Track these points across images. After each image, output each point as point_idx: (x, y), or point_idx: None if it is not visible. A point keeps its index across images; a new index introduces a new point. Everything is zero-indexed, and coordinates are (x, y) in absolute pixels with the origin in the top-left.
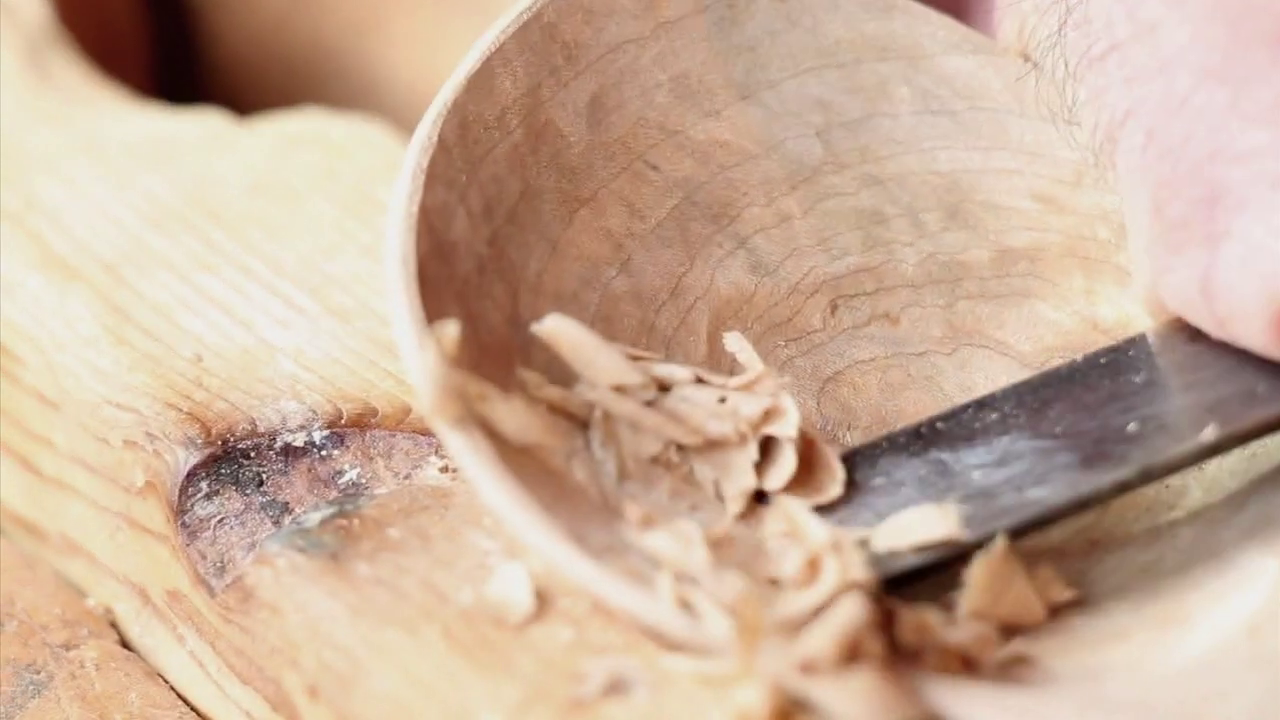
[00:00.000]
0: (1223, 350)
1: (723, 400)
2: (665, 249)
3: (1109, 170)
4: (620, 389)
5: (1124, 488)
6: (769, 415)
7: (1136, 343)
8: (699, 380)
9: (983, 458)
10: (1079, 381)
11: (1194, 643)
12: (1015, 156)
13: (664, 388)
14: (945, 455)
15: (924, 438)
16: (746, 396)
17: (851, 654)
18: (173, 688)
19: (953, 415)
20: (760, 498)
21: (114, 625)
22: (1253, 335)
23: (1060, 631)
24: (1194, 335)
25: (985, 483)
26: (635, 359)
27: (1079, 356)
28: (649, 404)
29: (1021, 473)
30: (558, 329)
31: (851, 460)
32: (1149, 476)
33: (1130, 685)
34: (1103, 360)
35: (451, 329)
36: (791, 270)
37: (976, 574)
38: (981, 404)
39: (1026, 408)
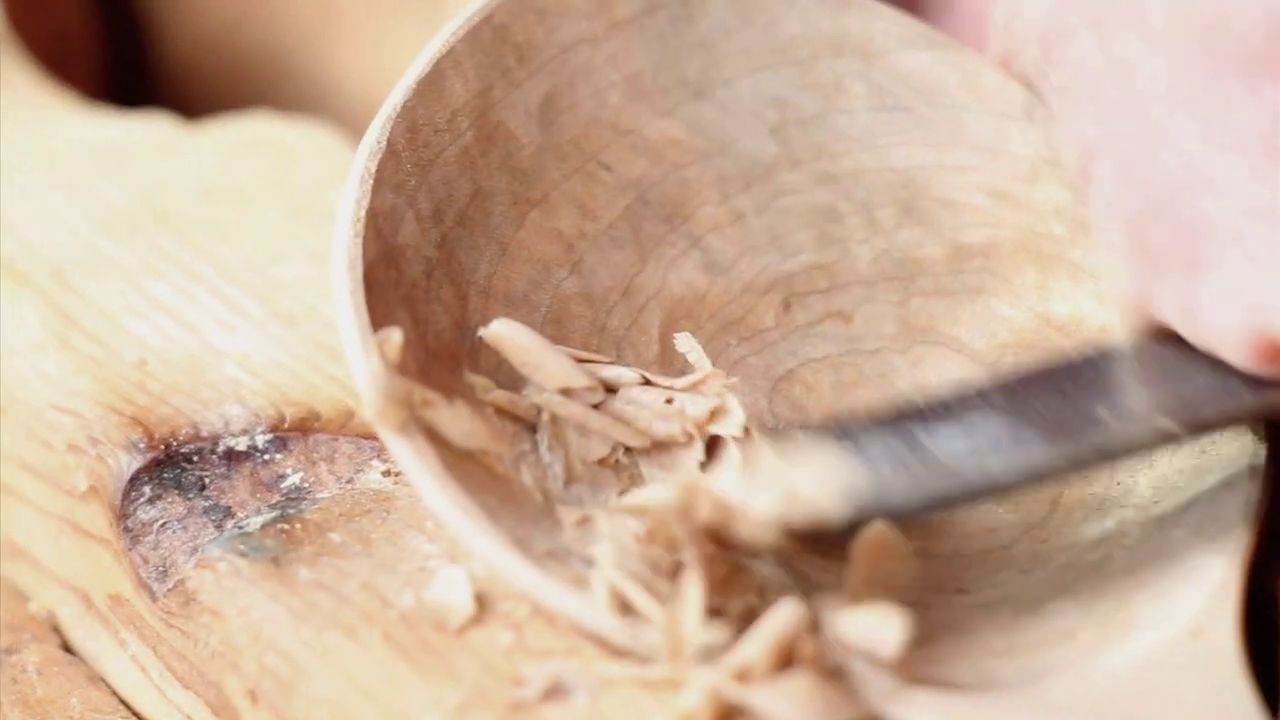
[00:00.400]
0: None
1: (669, 401)
2: (617, 249)
3: (1083, 206)
4: (566, 392)
5: (1079, 464)
6: (715, 415)
7: (1122, 342)
8: (646, 382)
9: (953, 431)
10: (1063, 371)
11: (1138, 643)
12: (970, 153)
13: (611, 390)
14: (919, 429)
15: (904, 414)
16: (693, 397)
17: (785, 659)
18: (114, 692)
19: (936, 396)
20: None
21: (56, 629)
22: (1234, 359)
23: (1006, 633)
24: (1176, 338)
25: (948, 450)
26: (582, 362)
27: (1070, 350)
28: (596, 406)
29: (984, 445)
30: (504, 333)
31: (835, 432)
32: (1105, 455)
33: (1074, 686)
34: (1090, 354)
35: (396, 336)
36: (745, 269)
37: (857, 552)
38: (966, 387)
39: (1006, 390)
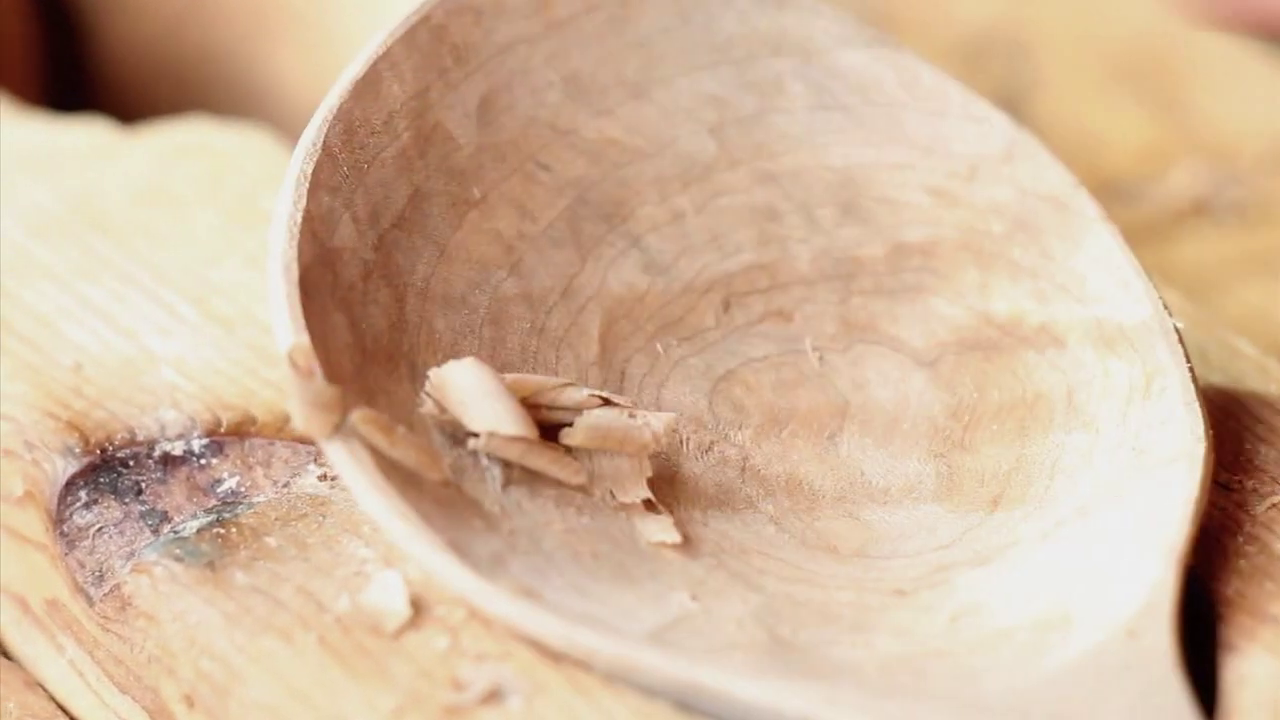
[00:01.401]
0: None
1: (632, 416)
2: (556, 250)
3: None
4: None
5: None
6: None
7: None
8: (605, 401)
9: None
10: None
11: (1074, 644)
12: (909, 151)
13: (573, 412)
14: None
15: None
16: (656, 414)
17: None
18: (52, 697)
19: None
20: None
21: None
22: None
23: (943, 634)
24: None
25: None
26: (532, 403)
27: None
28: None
29: None
30: (446, 382)
31: None
32: None
33: (1008, 687)
34: None
35: (303, 341)
36: (684, 268)
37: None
38: None
39: None
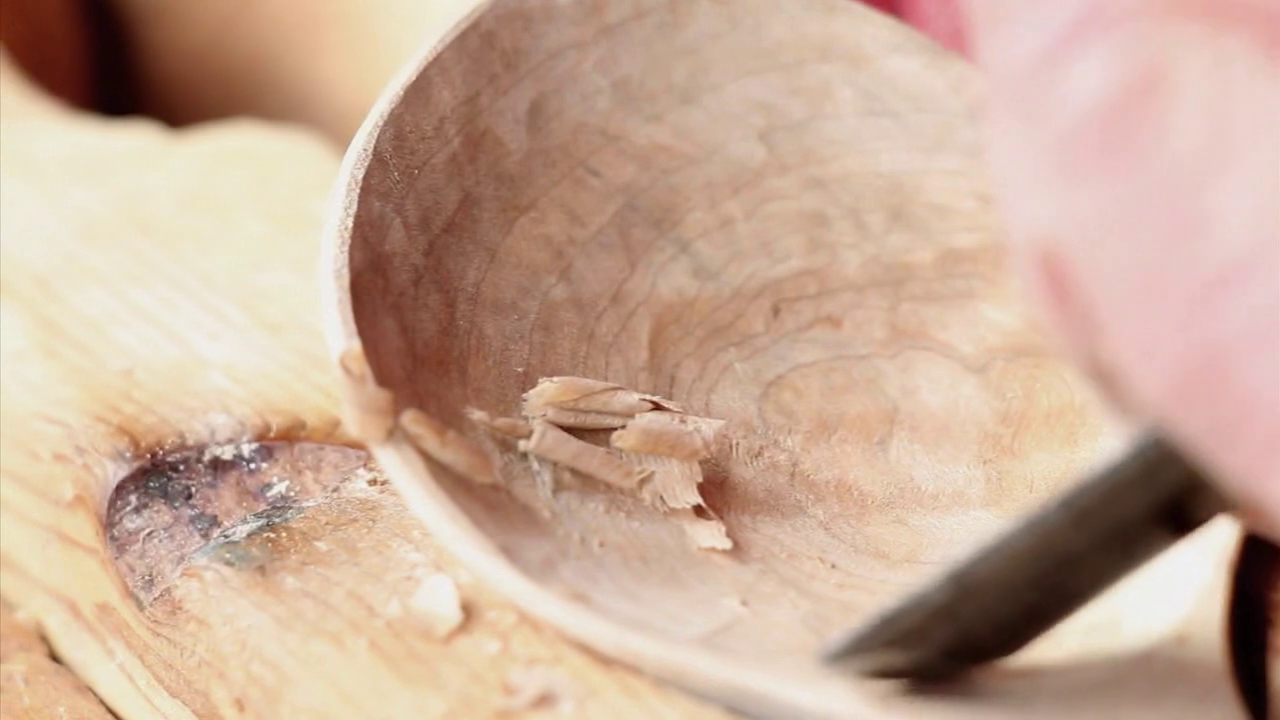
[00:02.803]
0: None
1: (683, 421)
2: (606, 255)
3: None
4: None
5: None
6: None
7: None
8: (656, 406)
9: None
10: None
11: (1122, 648)
12: (959, 157)
13: (625, 417)
14: None
15: None
16: (706, 420)
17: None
18: (102, 701)
19: None
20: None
21: (43, 639)
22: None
23: None
24: None
25: None
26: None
27: None
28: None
29: None
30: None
31: None
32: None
33: (1057, 693)
34: None
35: (355, 347)
36: (734, 274)
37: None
38: None
39: None
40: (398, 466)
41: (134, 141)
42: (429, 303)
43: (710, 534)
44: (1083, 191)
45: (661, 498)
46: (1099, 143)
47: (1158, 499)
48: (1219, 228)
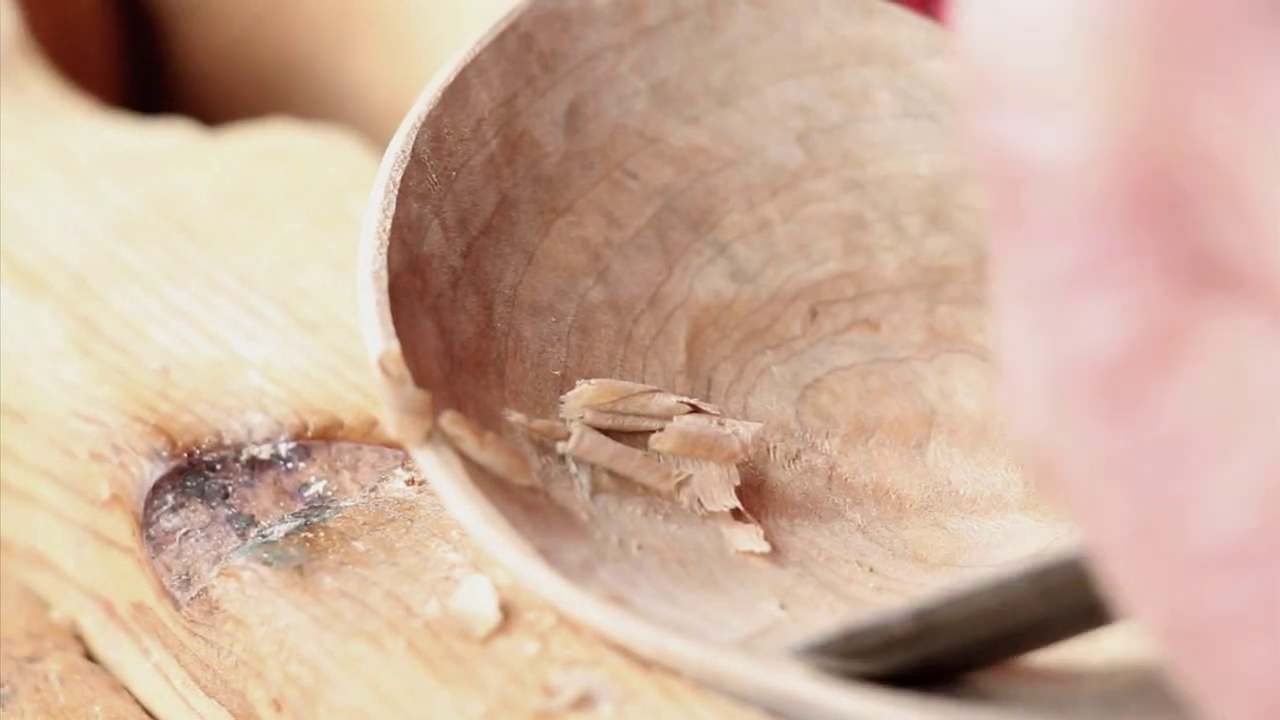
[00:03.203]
0: None
1: (720, 424)
2: (644, 258)
3: None
4: (602, 428)
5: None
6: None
7: None
8: (694, 409)
9: None
10: None
11: (1117, 638)
12: None
13: (663, 418)
14: None
15: None
16: (744, 423)
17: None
18: (137, 701)
19: None
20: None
21: (79, 638)
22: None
23: None
24: None
25: None
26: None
27: None
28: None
29: None
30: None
31: None
32: None
33: (1097, 697)
34: None
35: (394, 348)
36: (771, 277)
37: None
38: None
39: None
40: (436, 468)
41: (171, 139)
42: (467, 305)
43: (748, 537)
44: (1083, 432)
45: (699, 500)
46: (1105, 390)
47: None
48: (1216, 509)
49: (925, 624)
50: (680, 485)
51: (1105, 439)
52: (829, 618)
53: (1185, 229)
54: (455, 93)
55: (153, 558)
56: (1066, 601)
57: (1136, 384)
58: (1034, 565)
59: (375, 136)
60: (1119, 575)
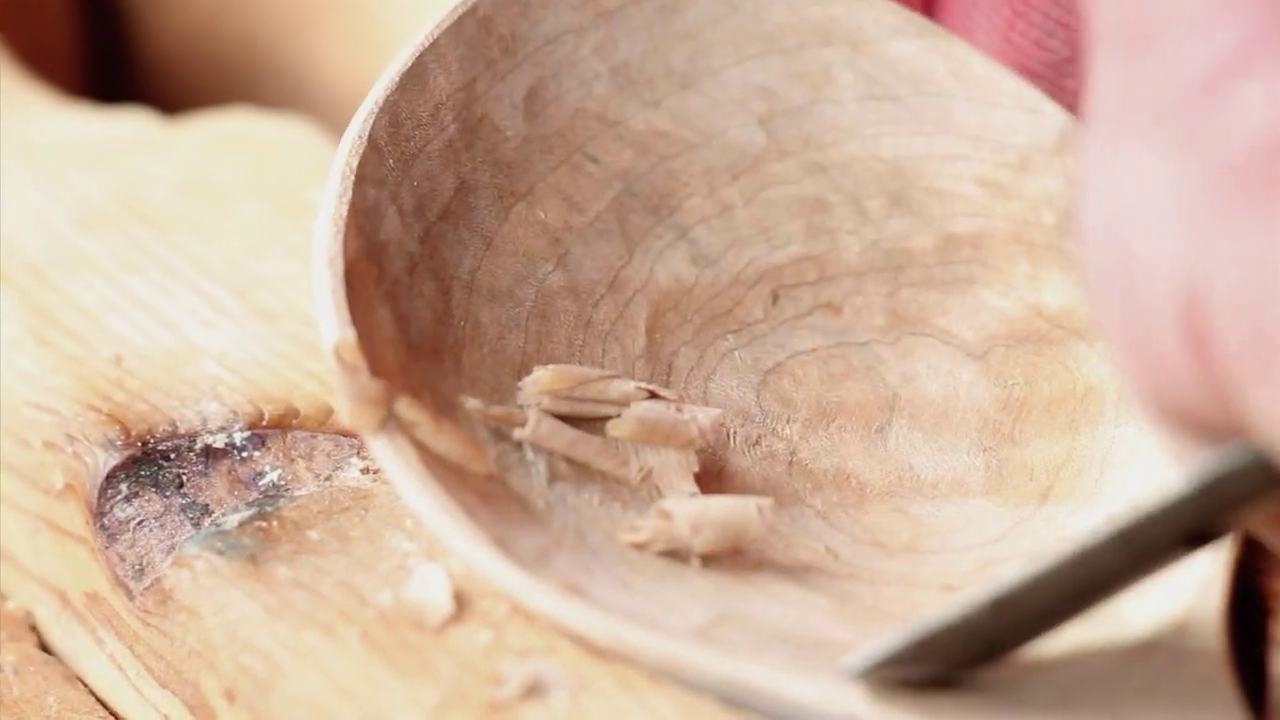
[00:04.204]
0: None
1: (679, 410)
2: (603, 242)
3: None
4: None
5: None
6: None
7: None
8: (652, 394)
9: None
10: None
11: (1124, 640)
12: (960, 142)
13: (620, 405)
14: None
15: None
16: (703, 408)
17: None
18: (92, 691)
19: None
20: None
21: (33, 628)
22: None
23: None
24: None
25: None
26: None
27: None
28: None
29: None
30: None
31: None
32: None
33: (1058, 683)
34: None
35: (349, 336)
36: (733, 261)
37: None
38: None
39: None
40: (390, 456)
41: (131, 128)
42: (424, 291)
43: None
44: (1240, 234)
45: (657, 487)
46: (1263, 181)
47: (1196, 525)
48: None
49: (1000, 608)
50: (643, 479)
51: (1271, 234)
52: (787, 604)
53: None
54: (413, 78)
55: (106, 547)
56: (1138, 549)
57: None
58: (1121, 520)
59: (338, 123)
60: None
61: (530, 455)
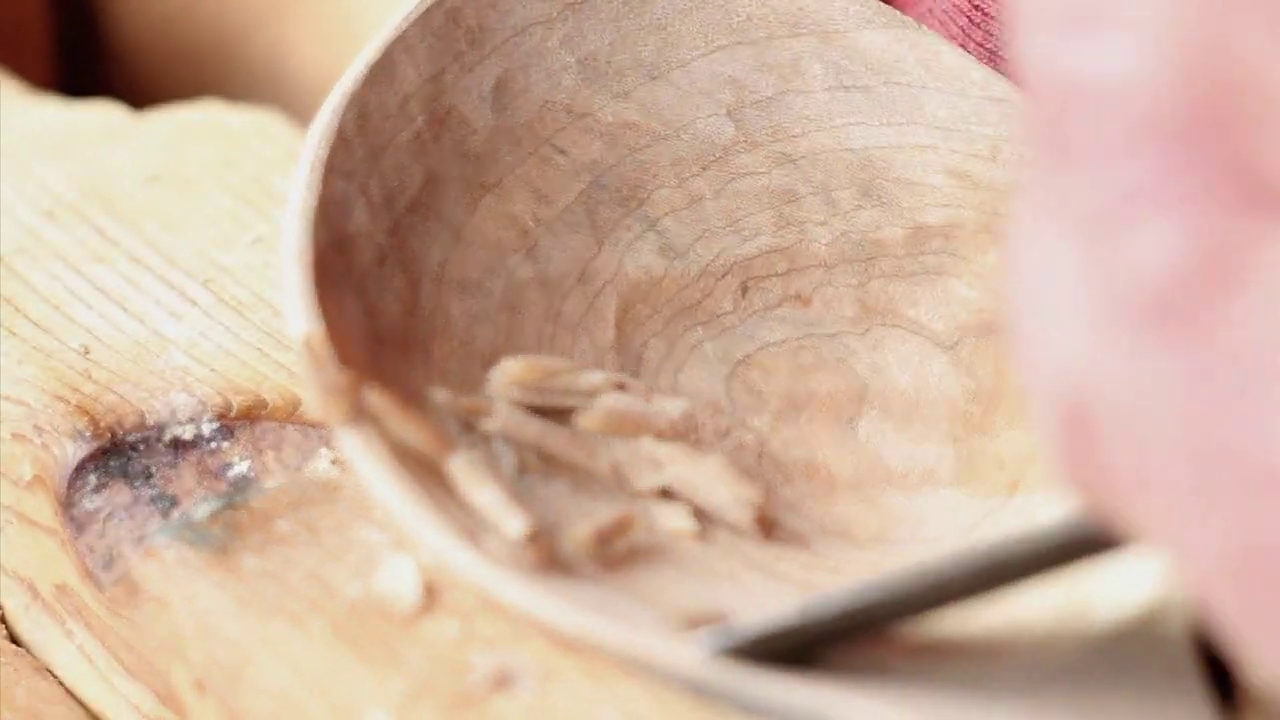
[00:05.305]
0: None
1: (648, 401)
2: (572, 234)
3: None
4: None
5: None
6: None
7: None
8: (621, 386)
9: None
10: None
11: (1090, 630)
12: (929, 132)
13: (588, 396)
14: None
15: None
16: (672, 400)
17: None
18: (61, 683)
19: None
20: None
21: (2, 620)
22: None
23: (962, 620)
24: None
25: None
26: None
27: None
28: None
29: None
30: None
31: None
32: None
33: (1026, 674)
34: None
35: (317, 329)
36: (702, 252)
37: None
38: None
39: None
40: (358, 448)
41: (98, 119)
42: (393, 283)
43: (675, 515)
44: (1137, 355)
45: (626, 479)
46: (1162, 311)
47: (1057, 563)
48: None
49: (859, 610)
50: (612, 471)
51: (1161, 361)
52: (756, 596)
53: (1238, 150)
54: (381, 69)
55: (75, 538)
56: (998, 580)
57: (1194, 304)
58: (980, 554)
59: (308, 114)
60: (1166, 504)
61: (499, 447)
